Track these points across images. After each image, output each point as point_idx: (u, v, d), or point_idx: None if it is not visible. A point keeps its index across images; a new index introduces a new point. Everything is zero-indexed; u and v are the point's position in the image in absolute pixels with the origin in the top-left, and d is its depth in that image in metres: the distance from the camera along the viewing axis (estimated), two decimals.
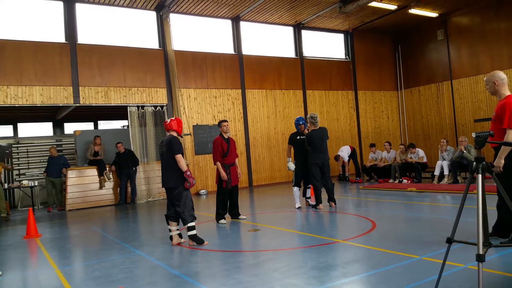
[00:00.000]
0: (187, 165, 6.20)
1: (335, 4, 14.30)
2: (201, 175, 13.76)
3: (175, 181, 5.88)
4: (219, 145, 7.58)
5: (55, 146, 12.59)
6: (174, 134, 6.08)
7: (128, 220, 9.45)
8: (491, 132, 3.44)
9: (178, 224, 6.10)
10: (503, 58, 14.67)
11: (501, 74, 4.77)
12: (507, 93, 4.73)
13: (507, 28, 14.57)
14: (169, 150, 5.90)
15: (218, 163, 7.57)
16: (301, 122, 8.74)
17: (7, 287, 4.66)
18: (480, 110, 15.37)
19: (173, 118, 6.17)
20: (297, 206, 8.69)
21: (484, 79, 4.93)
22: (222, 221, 7.64)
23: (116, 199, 12.16)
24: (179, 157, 5.83)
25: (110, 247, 6.36)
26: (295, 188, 8.72)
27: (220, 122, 7.80)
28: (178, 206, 5.88)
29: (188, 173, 5.84)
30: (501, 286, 3.67)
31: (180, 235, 6.13)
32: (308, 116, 8.57)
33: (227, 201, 7.79)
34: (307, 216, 8.05)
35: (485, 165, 3.28)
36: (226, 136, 7.72)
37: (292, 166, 8.66)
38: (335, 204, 8.56)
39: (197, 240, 5.88)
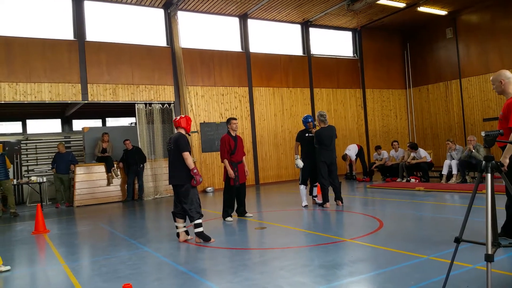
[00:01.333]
0: (194, 162, 6.21)
1: (343, 1, 14.21)
2: (208, 172, 13.79)
3: (182, 179, 5.90)
4: (226, 142, 7.58)
5: (63, 142, 12.66)
6: (182, 131, 6.09)
7: (135, 216, 9.50)
8: (500, 131, 3.41)
9: (185, 221, 6.13)
10: None
11: (508, 73, 4.73)
12: None
13: None
14: (176, 147, 5.91)
15: (226, 161, 7.57)
16: (309, 120, 8.72)
17: (16, 283, 4.71)
18: (489, 109, 15.23)
19: (182, 116, 6.18)
20: (303, 204, 8.68)
21: (491, 78, 4.88)
22: (229, 218, 7.65)
23: (124, 196, 12.22)
24: (186, 154, 5.85)
25: (117, 243, 6.40)
26: (302, 186, 8.71)
27: (229, 119, 7.76)
28: (185, 203, 5.90)
29: (195, 170, 5.85)
30: (510, 287, 3.64)
31: (187, 232, 6.15)
32: (317, 114, 8.58)
33: (234, 199, 7.80)
34: (314, 214, 8.04)
35: (495, 164, 3.25)
36: (233, 134, 7.72)
37: (300, 163, 8.62)
38: (342, 202, 8.54)
39: (203, 237, 5.89)
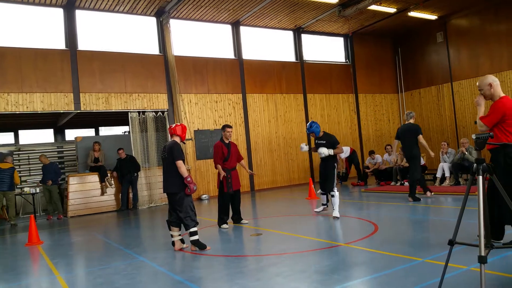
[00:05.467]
0: (188, 170, 6.14)
1: (334, 8, 14.33)
2: (203, 180, 13.76)
3: (177, 187, 5.88)
4: (219, 149, 7.59)
5: (44, 154, 12.39)
6: (177, 139, 6.08)
7: (130, 226, 9.45)
8: (491, 133, 3.45)
9: (180, 230, 6.10)
10: (503, 59, 14.69)
11: (494, 77, 4.75)
12: (502, 94, 4.72)
13: (506, 29, 14.58)
14: (170, 155, 5.91)
15: (219, 166, 7.56)
16: (307, 132, 8.25)
17: None
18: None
19: (178, 124, 6.18)
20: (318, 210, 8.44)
21: (477, 84, 4.79)
22: (225, 225, 7.64)
23: (118, 205, 12.15)
24: (179, 163, 5.84)
25: (112, 253, 6.36)
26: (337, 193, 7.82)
27: (224, 127, 7.74)
28: (180, 211, 5.88)
29: (189, 179, 5.84)
30: None
31: (182, 241, 6.13)
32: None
33: (229, 206, 7.79)
34: (310, 220, 8.04)
35: (486, 166, 3.28)
36: (227, 141, 7.72)
37: (305, 147, 8.20)
38: (430, 192, 9.61)
39: (199, 245, 5.88)
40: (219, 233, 7.31)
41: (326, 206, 8.40)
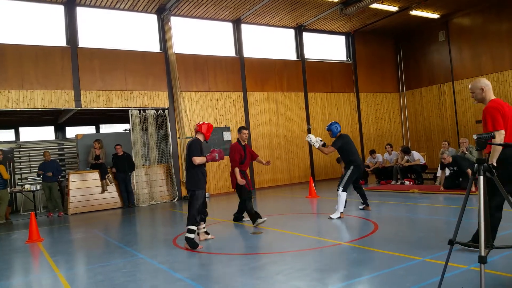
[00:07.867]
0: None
1: (336, 6, 14.30)
2: None
3: (192, 184, 6.08)
4: (237, 152, 7.54)
5: (48, 150, 12.42)
6: (200, 137, 6.19)
7: (130, 223, 9.45)
8: (492, 133, 3.45)
9: (204, 223, 6.44)
10: (505, 59, 14.66)
11: (487, 80, 4.65)
12: (492, 97, 4.63)
13: (508, 29, 14.56)
14: (187, 152, 6.08)
15: (237, 169, 7.48)
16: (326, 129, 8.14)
17: None
18: (482, 111, 15.31)
19: (206, 122, 6.27)
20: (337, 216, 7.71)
21: (469, 86, 4.72)
22: (260, 220, 7.34)
23: (118, 203, 12.14)
24: (194, 159, 5.95)
25: (112, 250, 6.37)
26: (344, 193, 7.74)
27: (240, 129, 7.75)
28: (188, 206, 6.08)
29: (209, 156, 6.07)
30: (503, 287, 3.66)
31: (206, 232, 6.50)
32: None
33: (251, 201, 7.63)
34: (310, 218, 8.04)
35: (487, 166, 3.28)
36: (243, 143, 7.72)
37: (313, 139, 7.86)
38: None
39: (191, 244, 5.91)
40: (219, 231, 7.31)
41: (365, 205, 8.27)
